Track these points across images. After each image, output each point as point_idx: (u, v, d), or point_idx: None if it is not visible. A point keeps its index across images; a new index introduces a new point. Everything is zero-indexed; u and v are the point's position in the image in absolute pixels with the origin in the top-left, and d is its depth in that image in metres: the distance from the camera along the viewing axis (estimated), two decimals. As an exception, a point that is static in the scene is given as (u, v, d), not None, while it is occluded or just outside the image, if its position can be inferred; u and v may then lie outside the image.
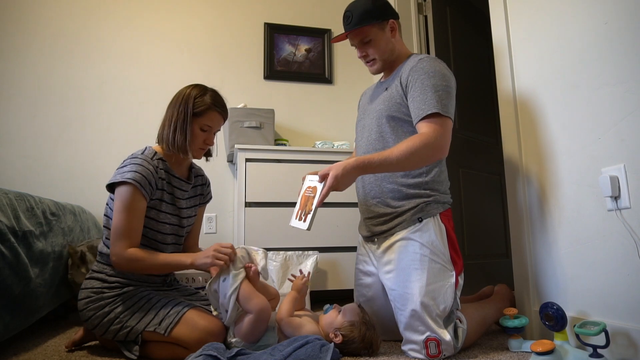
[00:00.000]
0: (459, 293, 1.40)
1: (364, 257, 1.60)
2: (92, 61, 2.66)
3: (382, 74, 1.68)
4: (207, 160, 1.62)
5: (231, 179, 2.72)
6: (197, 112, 1.43)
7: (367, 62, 1.59)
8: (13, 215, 1.39)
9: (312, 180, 1.37)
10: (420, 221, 1.43)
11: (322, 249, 2.25)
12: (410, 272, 1.37)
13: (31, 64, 2.58)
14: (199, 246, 1.68)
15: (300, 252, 2.19)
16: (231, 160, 2.65)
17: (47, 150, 2.52)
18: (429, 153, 1.34)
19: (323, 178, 1.31)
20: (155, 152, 1.46)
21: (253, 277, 1.34)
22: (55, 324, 1.85)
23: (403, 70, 1.50)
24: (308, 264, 2.17)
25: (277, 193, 2.30)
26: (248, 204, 2.26)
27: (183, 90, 1.47)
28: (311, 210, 1.31)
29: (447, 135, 1.38)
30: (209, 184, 1.68)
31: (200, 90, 1.47)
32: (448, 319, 1.33)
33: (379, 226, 1.51)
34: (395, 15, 1.56)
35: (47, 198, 1.74)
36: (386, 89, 1.55)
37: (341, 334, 1.28)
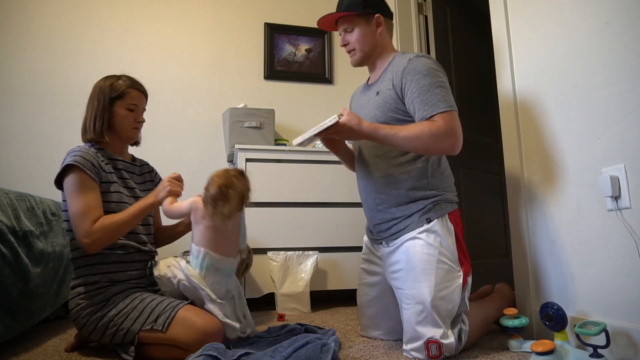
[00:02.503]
0: (467, 294, 1.39)
1: (369, 256, 1.60)
2: (93, 61, 2.66)
3: (369, 76, 1.66)
4: (136, 146, 1.66)
5: (231, 179, 2.72)
6: (117, 96, 1.50)
7: (348, 51, 1.60)
8: (13, 215, 1.39)
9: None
10: (429, 222, 1.41)
11: (322, 249, 2.25)
12: (419, 272, 1.36)
13: (32, 64, 2.58)
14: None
15: (300, 252, 2.19)
16: (231, 160, 2.64)
17: (47, 150, 2.52)
18: (435, 143, 1.35)
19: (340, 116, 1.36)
20: (91, 144, 1.49)
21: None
22: (56, 324, 1.85)
23: (392, 72, 1.48)
24: (308, 264, 2.17)
25: (277, 193, 2.30)
26: (248, 204, 2.26)
27: (96, 84, 1.53)
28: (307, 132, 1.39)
29: (458, 128, 1.38)
30: (155, 171, 1.72)
31: (113, 77, 1.54)
32: (455, 321, 1.33)
33: (386, 230, 1.50)
34: (385, 12, 1.57)
35: (47, 198, 1.74)
36: (377, 93, 1.53)
37: (204, 188, 1.37)
